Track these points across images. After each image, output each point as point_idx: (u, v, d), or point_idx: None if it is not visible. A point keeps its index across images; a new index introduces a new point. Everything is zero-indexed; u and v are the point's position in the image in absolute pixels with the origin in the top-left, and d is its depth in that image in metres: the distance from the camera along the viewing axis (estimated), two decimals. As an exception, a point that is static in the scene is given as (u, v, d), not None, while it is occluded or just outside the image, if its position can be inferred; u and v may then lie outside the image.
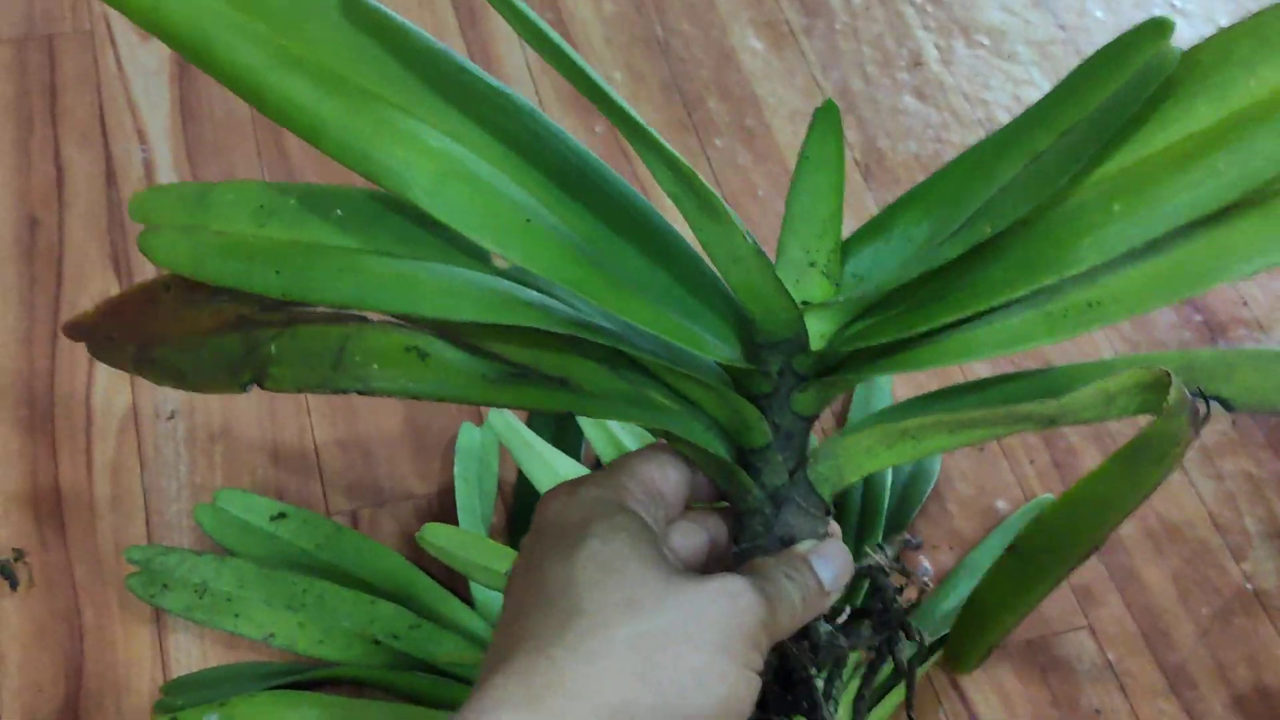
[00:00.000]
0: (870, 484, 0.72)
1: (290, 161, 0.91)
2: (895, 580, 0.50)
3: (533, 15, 0.38)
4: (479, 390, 0.45)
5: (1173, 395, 0.39)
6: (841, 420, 0.79)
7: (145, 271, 0.84)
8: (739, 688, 0.42)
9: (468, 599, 0.70)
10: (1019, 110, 0.97)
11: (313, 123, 0.41)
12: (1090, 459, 0.77)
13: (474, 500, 0.74)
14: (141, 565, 0.68)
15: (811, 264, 0.50)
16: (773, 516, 0.48)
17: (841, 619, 0.49)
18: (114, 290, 0.84)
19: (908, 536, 0.50)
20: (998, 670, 0.70)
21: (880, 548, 0.50)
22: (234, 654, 0.70)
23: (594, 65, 0.97)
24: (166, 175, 0.89)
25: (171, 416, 0.78)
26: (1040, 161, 0.44)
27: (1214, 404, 0.43)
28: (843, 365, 0.47)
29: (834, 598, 0.47)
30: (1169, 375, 0.40)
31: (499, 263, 0.45)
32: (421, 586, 0.69)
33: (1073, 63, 0.99)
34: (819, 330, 0.48)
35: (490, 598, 0.69)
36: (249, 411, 0.78)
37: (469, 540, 0.66)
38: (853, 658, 0.50)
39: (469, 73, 0.43)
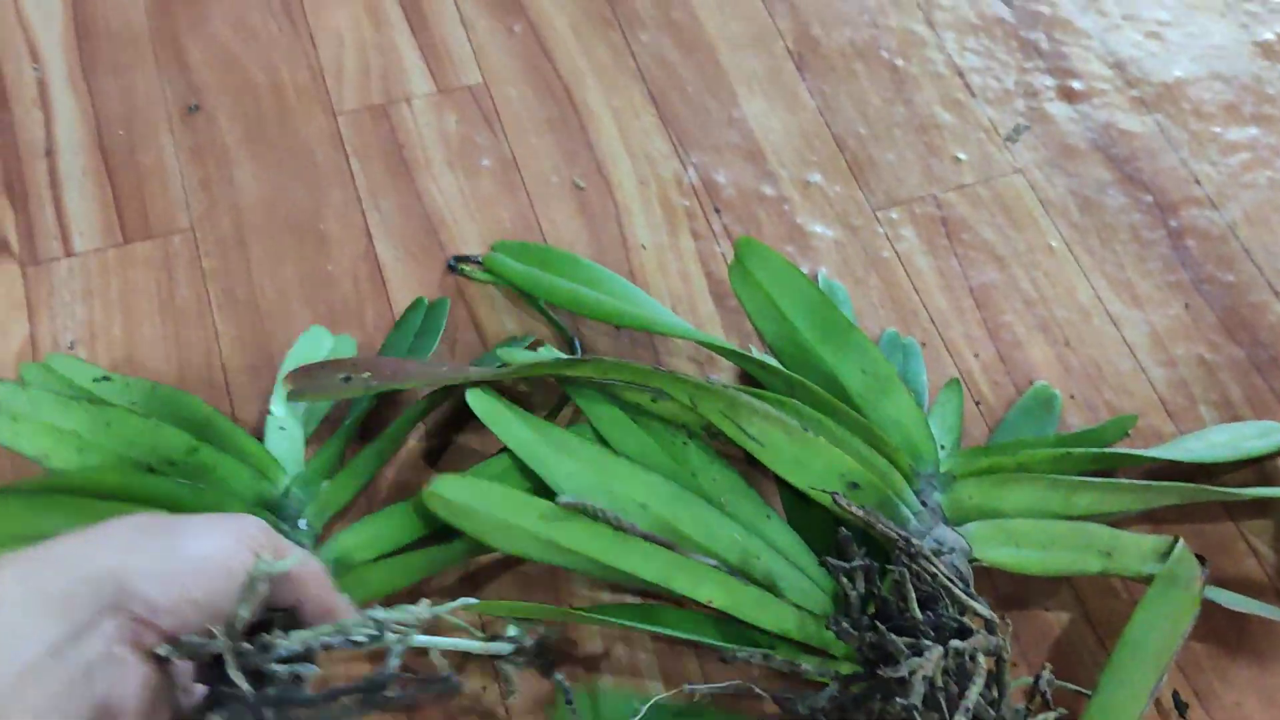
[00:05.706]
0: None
1: (191, 75, 0.86)
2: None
3: None
4: None
5: (1177, 550, 0.60)
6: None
7: (39, 195, 0.80)
8: (237, 549, 0.46)
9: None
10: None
11: None
12: (1037, 350, 0.74)
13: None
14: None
15: None
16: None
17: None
18: (6, 216, 0.79)
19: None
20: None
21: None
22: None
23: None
24: (61, 94, 0.84)
25: (71, 346, 0.74)
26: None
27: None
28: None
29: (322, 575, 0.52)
30: (1176, 539, 0.61)
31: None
32: (218, 423, 0.67)
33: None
34: None
35: (284, 448, 0.68)
36: (153, 340, 0.74)
37: (483, 490, 0.62)
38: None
39: None
